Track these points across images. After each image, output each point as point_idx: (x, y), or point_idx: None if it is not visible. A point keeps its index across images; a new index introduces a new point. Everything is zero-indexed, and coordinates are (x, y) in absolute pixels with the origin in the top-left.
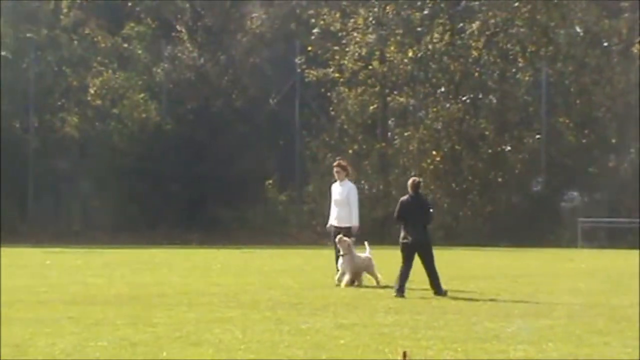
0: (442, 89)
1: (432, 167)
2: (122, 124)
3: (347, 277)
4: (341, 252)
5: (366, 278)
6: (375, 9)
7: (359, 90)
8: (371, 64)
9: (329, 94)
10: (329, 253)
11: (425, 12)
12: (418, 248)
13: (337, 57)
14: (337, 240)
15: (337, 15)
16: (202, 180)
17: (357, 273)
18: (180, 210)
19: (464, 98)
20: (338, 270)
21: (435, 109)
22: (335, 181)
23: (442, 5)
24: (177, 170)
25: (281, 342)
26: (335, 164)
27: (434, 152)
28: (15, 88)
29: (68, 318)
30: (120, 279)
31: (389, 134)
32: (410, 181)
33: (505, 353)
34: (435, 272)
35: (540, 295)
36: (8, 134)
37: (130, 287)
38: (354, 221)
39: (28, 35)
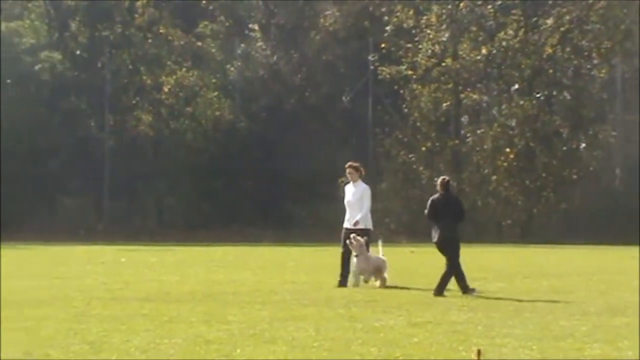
0: (516, 86)
1: (505, 164)
2: (195, 122)
3: (361, 278)
4: (355, 253)
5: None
6: (449, 6)
7: (432, 87)
8: (444, 61)
9: (401, 91)
10: (402, 251)
11: (499, 8)
12: (444, 244)
13: (410, 54)
14: (349, 241)
15: (411, 12)
16: (275, 177)
17: (371, 274)
18: (254, 208)
19: (538, 95)
20: (342, 271)
21: (508, 106)
22: (349, 182)
23: (516, 1)
24: (251, 167)
25: (355, 339)
26: (347, 165)
27: (507, 150)
28: (91, 87)
29: (142, 315)
30: (195, 277)
31: (462, 131)
32: (440, 180)
33: (580, 351)
34: (460, 270)
35: (615, 292)
36: (84, 133)
37: (204, 284)
38: (368, 224)
39: (103, 34)
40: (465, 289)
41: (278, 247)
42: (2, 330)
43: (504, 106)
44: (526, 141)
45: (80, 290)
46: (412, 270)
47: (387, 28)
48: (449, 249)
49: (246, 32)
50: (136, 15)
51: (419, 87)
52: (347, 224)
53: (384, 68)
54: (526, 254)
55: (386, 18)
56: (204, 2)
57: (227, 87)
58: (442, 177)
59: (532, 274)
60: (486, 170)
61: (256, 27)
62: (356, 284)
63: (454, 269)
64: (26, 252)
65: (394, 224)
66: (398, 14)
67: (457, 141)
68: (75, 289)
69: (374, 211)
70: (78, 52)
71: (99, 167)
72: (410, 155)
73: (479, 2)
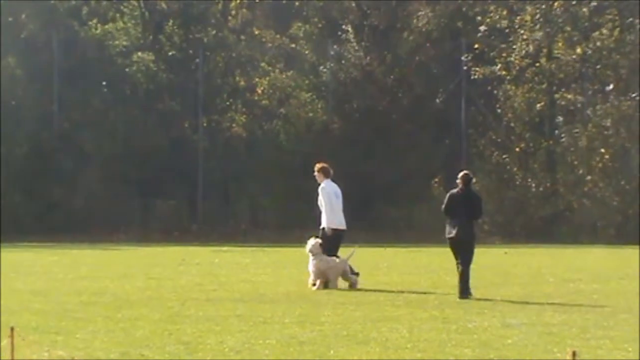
0: (611, 86)
1: (600, 165)
2: (289, 124)
3: (311, 279)
4: (311, 253)
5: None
6: (543, 6)
7: (526, 87)
8: (538, 61)
9: (495, 91)
10: (496, 252)
11: (594, 8)
12: (459, 244)
13: (503, 54)
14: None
15: (504, 12)
16: (368, 179)
17: (324, 275)
18: (347, 209)
19: (633, 95)
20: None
21: (603, 106)
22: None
23: (612, 1)
24: (343, 169)
25: (448, 340)
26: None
27: (602, 150)
28: (184, 88)
29: (237, 316)
30: (288, 278)
31: (557, 131)
32: (461, 174)
33: None
34: (467, 272)
35: None
36: (178, 135)
37: (298, 285)
38: (329, 223)
39: (197, 35)
40: (464, 292)
41: (371, 248)
42: (99, 330)
43: (598, 106)
44: (622, 142)
45: (175, 291)
46: (505, 271)
47: (481, 28)
48: (466, 250)
49: (339, 33)
50: (230, 17)
51: (513, 87)
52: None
53: (477, 68)
54: (621, 255)
55: (479, 18)
56: (297, 3)
57: (320, 89)
58: (463, 172)
59: (628, 276)
60: (581, 171)
61: (349, 28)
62: (310, 284)
63: (469, 267)
64: (122, 253)
65: (487, 224)
66: (491, 14)
67: (551, 141)
68: (170, 290)
69: None
70: (172, 54)
71: (193, 168)
72: (504, 156)
73: (574, 2)
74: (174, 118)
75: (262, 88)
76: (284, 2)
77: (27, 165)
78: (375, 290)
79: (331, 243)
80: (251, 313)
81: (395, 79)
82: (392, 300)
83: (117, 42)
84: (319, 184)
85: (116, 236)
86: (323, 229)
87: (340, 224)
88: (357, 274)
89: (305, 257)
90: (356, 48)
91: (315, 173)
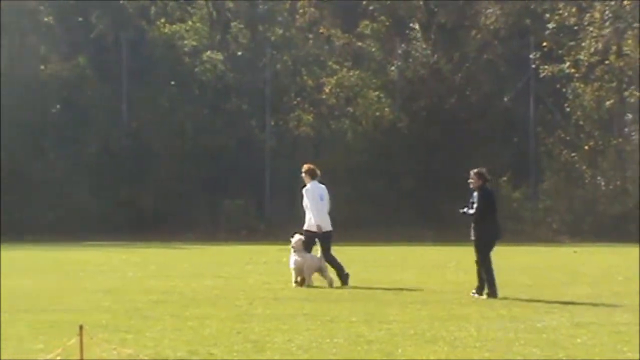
0: None
1: None
2: (356, 122)
3: (293, 276)
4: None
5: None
6: (612, 2)
7: (595, 85)
8: (608, 59)
9: (564, 89)
10: (565, 251)
11: None
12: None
13: (572, 52)
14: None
15: (573, 9)
16: (436, 177)
17: (301, 272)
18: (414, 208)
19: None
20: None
21: None
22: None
23: None
24: (411, 167)
25: (516, 340)
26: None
27: None
28: (252, 88)
29: (304, 315)
30: (355, 277)
31: (626, 129)
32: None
33: None
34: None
35: None
36: (245, 134)
37: (365, 284)
38: (307, 223)
39: (265, 35)
40: (483, 290)
41: (439, 247)
42: (167, 329)
43: None
44: None
45: (243, 290)
46: (574, 271)
47: (549, 26)
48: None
49: (407, 31)
50: (297, 16)
51: (582, 85)
52: None
53: (545, 66)
54: None
55: (548, 16)
56: (364, 2)
57: (388, 87)
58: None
59: None
60: None
61: (417, 26)
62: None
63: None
64: (190, 252)
65: (556, 223)
66: (560, 11)
67: (620, 139)
68: (238, 289)
69: (537, 210)
70: (239, 53)
71: (260, 167)
72: (572, 154)
73: None
74: (242, 117)
75: (329, 87)
76: (351, 0)
77: (96, 164)
78: (442, 289)
79: (310, 244)
80: (318, 312)
81: (462, 77)
82: (459, 298)
83: (185, 42)
84: (304, 186)
85: (184, 235)
86: (307, 230)
87: (325, 225)
88: (346, 274)
89: (373, 256)
90: (424, 46)
91: (303, 174)
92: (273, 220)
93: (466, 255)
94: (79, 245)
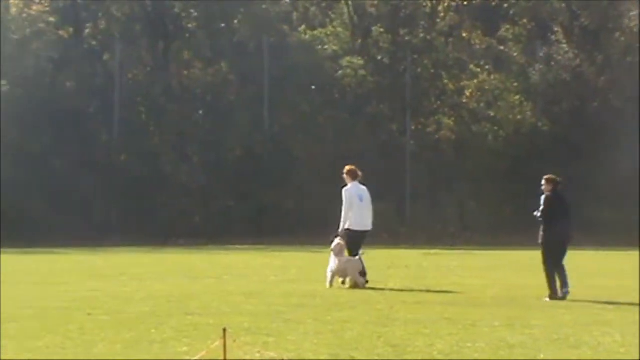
0: None
1: None
2: (497, 126)
3: (329, 278)
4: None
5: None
6: None
7: None
8: None
9: None
10: None
11: None
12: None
13: None
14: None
15: None
16: (578, 181)
17: (343, 273)
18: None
19: None
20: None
21: None
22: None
23: None
24: (553, 171)
25: None
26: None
27: None
28: (392, 92)
29: (445, 319)
30: (498, 281)
31: None
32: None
33: None
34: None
35: None
36: (386, 138)
37: (508, 288)
38: (344, 225)
39: (405, 39)
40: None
41: (583, 251)
42: (309, 332)
43: None
44: None
45: (384, 294)
46: None
47: None
48: None
49: (548, 34)
50: (438, 20)
51: None
52: None
53: None
54: None
55: None
56: (505, 5)
57: (529, 91)
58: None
59: None
60: None
61: (559, 29)
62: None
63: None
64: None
65: None
66: None
67: None
68: (379, 293)
69: None
70: (380, 58)
71: (401, 171)
72: None
73: None
74: (382, 121)
75: (470, 90)
76: (492, 4)
77: (239, 168)
78: (586, 294)
79: (352, 243)
80: (460, 316)
81: (606, 80)
82: (603, 304)
83: (326, 47)
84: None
85: (326, 238)
86: (347, 229)
87: (363, 225)
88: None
89: (516, 260)
90: (566, 49)
91: (344, 175)
92: (414, 223)
93: (612, 260)
94: (223, 248)
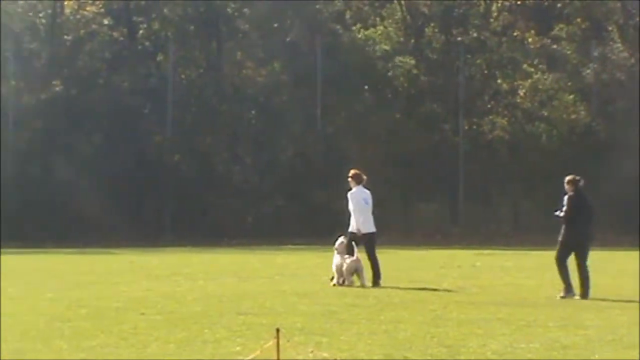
0: None
1: None
2: (551, 126)
3: (335, 276)
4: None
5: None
6: None
7: None
8: None
9: None
10: None
11: None
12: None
13: None
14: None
15: None
16: (634, 181)
17: (340, 272)
18: (613, 213)
19: None
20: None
21: None
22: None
23: None
24: (609, 172)
25: None
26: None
27: None
28: (445, 92)
29: (499, 319)
30: (551, 281)
31: None
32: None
33: None
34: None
35: None
36: (439, 138)
37: (561, 289)
38: (352, 226)
39: (458, 38)
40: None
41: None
42: (362, 332)
43: None
44: None
45: (437, 294)
46: None
47: None
48: None
49: (603, 33)
50: (491, 19)
51: None
52: None
53: None
54: None
55: None
56: (559, 4)
57: (584, 90)
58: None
59: None
60: None
61: (614, 28)
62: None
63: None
64: (384, 256)
65: None
66: None
67: None
68: (432, 293)
69: None
70: (433, 57)
71: (454, 171)
72: None
73: None
74: (435, 121)
75: (524, 90)
76: (545, 3)
77: (291, 168)
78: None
79: (367, 246)
80: (513, 316)
81: None
82: None
83: (378, 47)
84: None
85: (378, 239)
86: (352, 232)
87: (368, 227)
88: (379, 279)
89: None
90: (621, 49)
91: (349, 179)
92: (467, 224)
93: None
94: (275, 248)
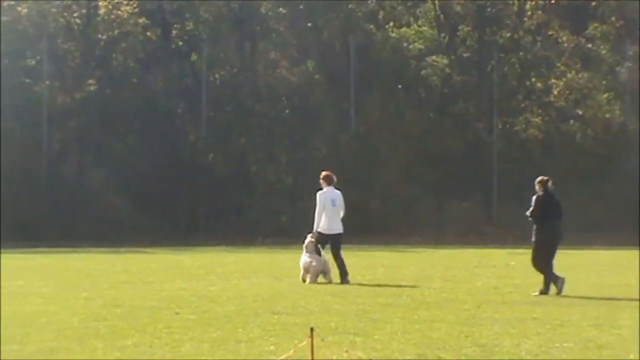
0: None
1: None
2: (585, 125)
3: (301, 274)
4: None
5: None
6: None
7: None
8: None
9: None
10: None
11: None
12: None
13: None
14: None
15: None
16: None
17: (307, 271)
18: (629, 212)
19: None
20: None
21: None
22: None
23: None
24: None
25: None
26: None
27: None
28: (479, 91)
29: (533, 319)
30: (584, 280)
31: None
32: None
33: None
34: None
35: None
36: (472, 137)
37: (596, 288)
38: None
39: (492, 37)
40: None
41: None
42: (396, 332)
43: None
44: None
45: (470, 294)
46: None
47: None
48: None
49: (638, 32)
50: (525, 18)
51: None
52: None
53: None
54: None
55: None
56: (593, 3)
57: (618, 89)
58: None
59: None
60: None
61: None
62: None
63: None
64: (418, 255)
65: None
66: None
67: None
68: (465, 292)
69: None
70: (466, 56)
71: (488, 170)
72: None
73: None
74: (469, 120)
75: (558, 89)
76: (580, 2)
77: (325, 168)
78: None
79: (320, 244)
80: (548, 316)
81: None
82: None
83: (412, 46)
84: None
85: (412, 238)
86: (320, 232)
87: (334, 229)
88: (347, 278)
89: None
90: None
91: (320, 180)
92: (501, 223)
93: None
94: None
